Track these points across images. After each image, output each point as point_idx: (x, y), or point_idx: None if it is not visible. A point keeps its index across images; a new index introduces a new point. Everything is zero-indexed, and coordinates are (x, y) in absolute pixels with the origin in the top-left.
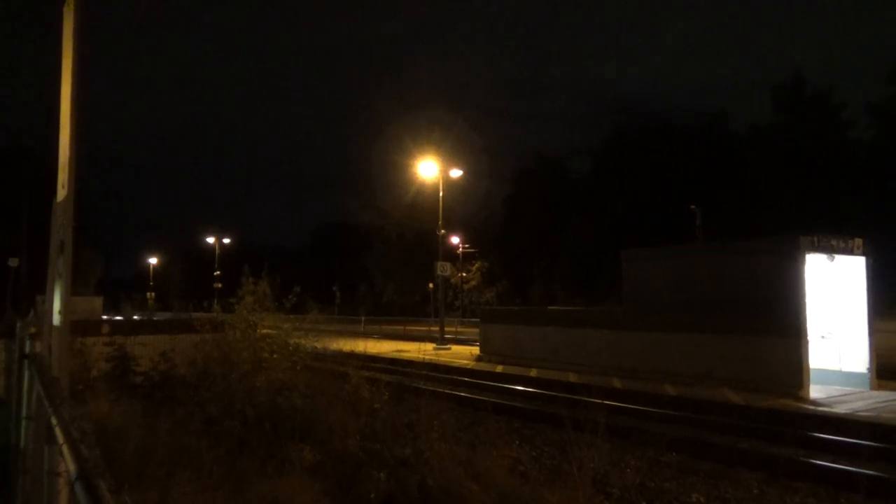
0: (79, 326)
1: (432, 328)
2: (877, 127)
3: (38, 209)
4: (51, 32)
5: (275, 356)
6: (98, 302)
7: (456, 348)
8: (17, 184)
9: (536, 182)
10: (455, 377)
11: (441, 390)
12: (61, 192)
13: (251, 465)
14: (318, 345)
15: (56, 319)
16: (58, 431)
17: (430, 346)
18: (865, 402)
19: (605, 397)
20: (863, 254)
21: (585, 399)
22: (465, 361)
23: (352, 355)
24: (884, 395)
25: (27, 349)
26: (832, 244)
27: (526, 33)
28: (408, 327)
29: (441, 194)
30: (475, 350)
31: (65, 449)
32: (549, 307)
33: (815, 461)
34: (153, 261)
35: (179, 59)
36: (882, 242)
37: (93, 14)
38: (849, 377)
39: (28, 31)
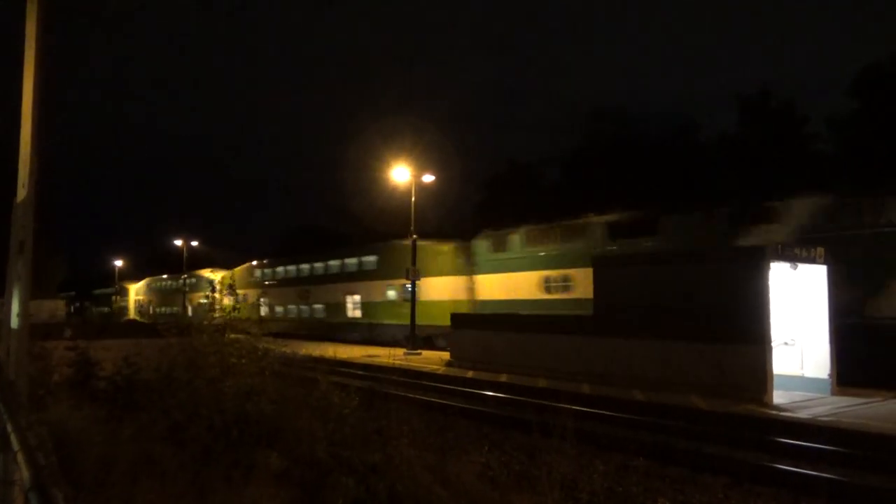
0: (40, 330)
1: None
2: (836, 140)
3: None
4: (14, 27)
5: (243, 361)
6: (61, 304)
7: (427, 353)
8: None
9: (508, 188)
10: (425, 382)
11: (411, 396)
12: (21, 192)
13: (217, 473)
14: (288, 349)
15: (14, 322)
16: (13, 438)
17: (400, 352)
18: (826, 407)
19: (574, 403)
20: (824, 262)
21: (554, 404)
22: (436, 367)
23: (321, 360)
24: (843, 401)
25: None
26: (795, 253)
27: (501, 39)
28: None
29: (413, 199)
30: (446, 355)
31: (20, 457)
32: (520, 313)
33: (777, 466)
34: (118, 263)
35: (150, 60)
36: (842, 252)
37: (60, 11)
38: (810, 383)
39: None
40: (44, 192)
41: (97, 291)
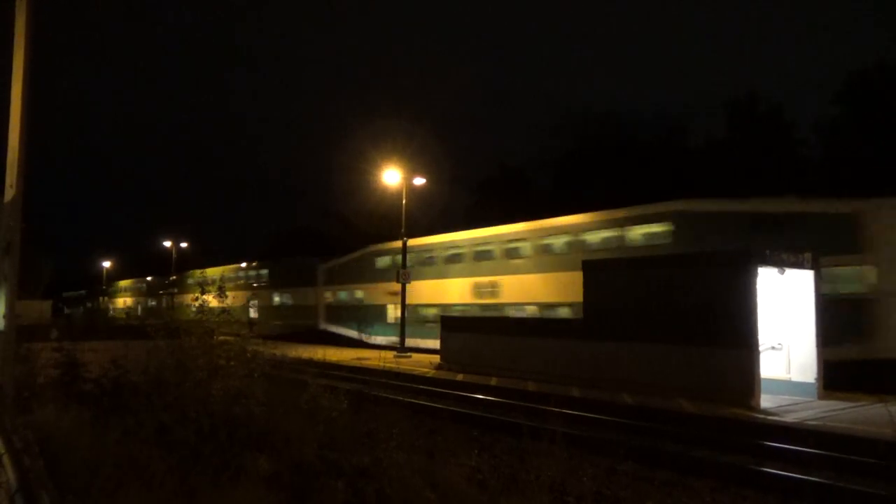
0: (25, 331)
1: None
2: (823, 146)
3: None
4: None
5: (232, 363)
6: (46, 306)
7: (416, 356)
8: None
9: (499, 192)
10: (415, 385)
11: (401, 399)
12: (9, 192)
13: (205, 476)
14: (277, 352)
15: (0, 323)
16: None
17: (390, 354)
18: (813, 411)
19: (563, 406)
20: (812, 267)
21: (544, 408)
22: (426, 370)
23: (311, 363)
24: (830, 405)
25: None
26: (783, 258)
27: (493, 42)
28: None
29: (404, 202)
30: (435, 358)
31: (5, 459)
32: (510, 316)
33: (764, 469)
34: (106, 264)
35: (143, 61)
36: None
37: (49, 9)
38: (797, 387)
39: None
40: (29, 192)
41: (67, 294)
